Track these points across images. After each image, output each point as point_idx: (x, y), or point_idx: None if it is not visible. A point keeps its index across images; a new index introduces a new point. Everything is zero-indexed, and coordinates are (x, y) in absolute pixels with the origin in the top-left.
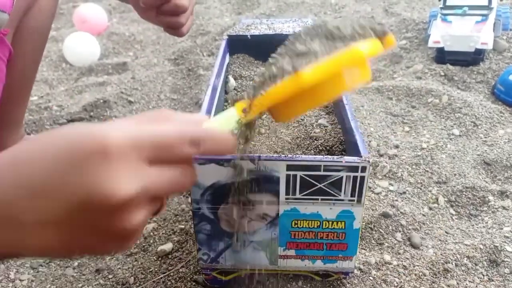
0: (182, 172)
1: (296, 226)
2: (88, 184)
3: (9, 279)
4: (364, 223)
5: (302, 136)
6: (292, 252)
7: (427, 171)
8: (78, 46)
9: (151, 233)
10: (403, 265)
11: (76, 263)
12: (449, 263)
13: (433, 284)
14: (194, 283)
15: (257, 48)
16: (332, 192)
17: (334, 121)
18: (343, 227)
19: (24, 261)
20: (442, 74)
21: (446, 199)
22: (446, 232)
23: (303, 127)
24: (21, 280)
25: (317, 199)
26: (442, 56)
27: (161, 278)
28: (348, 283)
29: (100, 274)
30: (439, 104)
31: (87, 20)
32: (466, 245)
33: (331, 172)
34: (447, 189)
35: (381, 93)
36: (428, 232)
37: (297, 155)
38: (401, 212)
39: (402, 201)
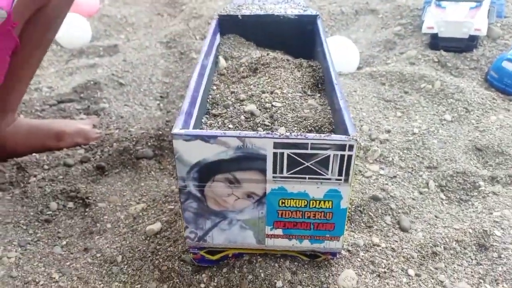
0: None
1: (283, 205)
2: None
3: None
4: (353, 206)
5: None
6: (279, 232)
7: (418, 155)
8: (69, 28)
9: (140, 213)
10: (392, 248)
11: (64, 242)
12: (437, 246)
13: (421, 267)
14: (182, 262)
15: (248, 28)
16: (319, 171)
17: (324, 103)
18: (331, 207)
19: (12, 239)
20: (436, 60)
21: (436, 184)
22: (435, 216)
23: (293, 106)
24: (8, 258)
25: (305, 178)
26: (435, 42)
27: (149, 257)
28: (336, 263)
29: (88, 253)
30: (432, 90)
31: (78, 2)
32: (455, 229)
33: (318, 150)
34: (438, 174)
35: (374, 78)
36: (418, 216)
37: (284, 133)
38: (391, 196)
39: (392, 185)
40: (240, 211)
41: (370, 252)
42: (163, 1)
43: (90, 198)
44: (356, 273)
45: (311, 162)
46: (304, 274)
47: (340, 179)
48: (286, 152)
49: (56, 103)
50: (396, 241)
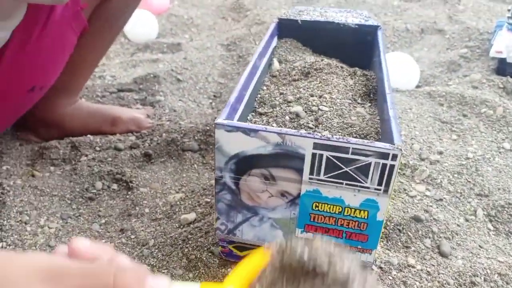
0: None
1: (317, 208)
2: None
3: (38, 224)
4: (392, 224)
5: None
6: (310, 235)
7: (469, 181)
8: (138, 24)
9: (178, 202)
10: (427, 271)
11: (103, 220)
12: (477, 276)
13: None
14: (210, 254)
15: (307, 34)
16: (358, 177)
17: (373, 113)
18: (366, 217)
19: (55, 211)
20: (501, 86)
21: (485, 213)
22: (479, 246)
23: (340, 112)
24: (49, 228)
25: (342, 183)
26: (503, 68)
27: (180, 244)
28: None
29: (124, 234)
30: (493, 116)
31: (149, 0)
32: (499, 261)
33: (359, 156)
34: (488, 203)
35: (432, 98)
36: (460, 243)
37: (326, 135)
38: (434, 219)
39: (437, 207)
40: (272, 209)
41: (404, 272)
42: (228, 6)
43: (133, 182)
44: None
45: (350, 168)
46: None
47: (380, 189)
48: (326, 154)
49: (116, 91)
50: (433, 265)
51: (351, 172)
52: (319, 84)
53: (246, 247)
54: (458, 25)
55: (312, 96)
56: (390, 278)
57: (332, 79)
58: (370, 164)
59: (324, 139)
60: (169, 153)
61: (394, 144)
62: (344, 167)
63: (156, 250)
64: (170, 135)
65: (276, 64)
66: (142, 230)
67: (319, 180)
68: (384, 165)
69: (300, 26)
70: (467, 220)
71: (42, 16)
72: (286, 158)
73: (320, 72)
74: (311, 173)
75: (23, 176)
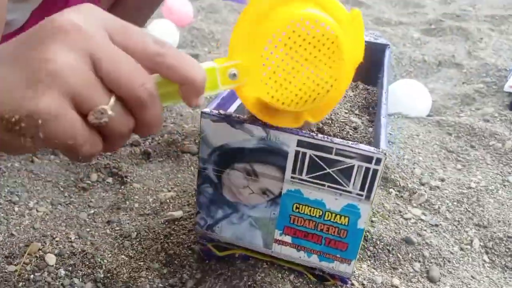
0: (139, 72)
1: (297, 210)
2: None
3: (27, 206)
4: (382, 244)
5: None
6: (288, 239)
7: (469, 211)
8: (160, 33)
9: (168, 200)
10: None
11: (92, 211)
12: None
13: None
14: (190, 251)
15: None
16: (340, 180)
17: (369, 125)
18: (346, 223)
19: (47, 196)
20: None
21: (482, 244)
22: (472, 276)
23: (334, 121)
24: (37, 211)
25: (324, 185)
26: None
27: (161, 239)
28: None
29: (109, 225)
30: (501, 149)
31: (173, 11)
32: None
33: (342, 157)
34: (486, 234)
35: (441, 127)
36: (451, 271)
37: (311, 133)
38: (426, 243)
39: (431, 232)
40: (253, 206)
41: None
42: None
43: (128, 177)
44: None
45: (333, 170)
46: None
47: (362, 195)
48: (309, 153)
49: None
50: (405, 284)
51: (333, 174)
52: None
53: (225, 247)
54: (477, 61)
55: None
56: None
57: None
58: (353, 167)
59: (308, 137)
60: (168, 153)
61: (379, 148)
62: (327, 168)
63: (137, 243)
64: (172, 136)
65: None
66: (128, 223)
67: (301, 180)
68: (368, 169)
69: None
70: (461, 249)
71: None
72: (269, 154)
73: None
74: (294, 171)
75: (22, 161)
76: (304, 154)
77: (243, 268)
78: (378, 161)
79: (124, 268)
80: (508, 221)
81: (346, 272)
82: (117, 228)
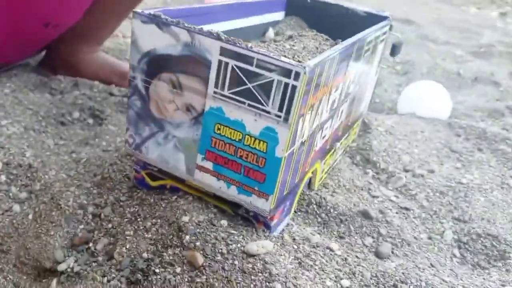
0: None
1: (218, 132)
2: None
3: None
4: (336, 212)
5: None
6: (209, 165)
7: (451, 204)
8: None
9: None
10: (345, 257)
11: (62, 142)
12: (404, 283)
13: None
14: (125, 177)
15: (315, 14)
16: (260, 98)
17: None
18: (265, 150)
19: (21, 120)
20: None
21: (455, 237)
22: (432, 264)
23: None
24: (7, 129)
25: (244, 103)
26: None
27: (104, 165)
28: (260, 234)
29: (70, 154)
30: (510, 154)
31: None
32: (443, 280)
33: (263, 70)
34: (463, 229)
35: (451, 128)
36: (408, 254)
37: (236, 41)
38: (387, 221)
39: (397, 213)
40: (177, 125)
41: (316, 249)
42: None
43: (107, 120)
44: (274, 248)
45: (253, 85)
46: (219, 225)
47: (280, 116)
48: (231, 63)
49: None
50: (357, 257)
51: (253, 90)
52: (296, 44)
53: (158, 177)
54: None
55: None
56: (294, 247)
57: (309, 42)
58: (272, 82)
59: (231, 44)
60: None
61: (301, 63)
62: (247, 83)
63: (82, 166)
64: None
65: (270, 33)
66: (85, 154)
67: (223, 96)
68: (287, 86)
69: (308, 4)
70: (430, 238)
71: None
72: (193, 63)
73: (302, 37)
74: (216, 85)
75: (16, 92)
76: (226, 64)
77: (167, 198)
78: (297, 75)
79: (58, 183)
80: (493, 220)
81: (264, 210)
82: (74, 155)
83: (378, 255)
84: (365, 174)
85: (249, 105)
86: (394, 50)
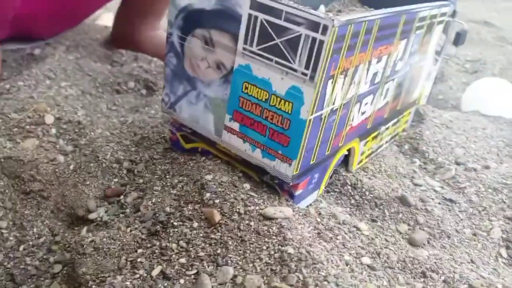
0: None
1: (246, 91)
2: None
3: (58, 85)
4: (371, 196)
5: None
6: (236, 126)
7: (504, 202)
8: None
9: None
10: (372, 237)
11: (114, 108)
12: (435, 273)
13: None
14: (162, 139)
15: None
16: (287, 54)
17: None
18: (290, 111)
19: (79, 84)
20: None
21: (504, 236)
22: (472, 260)
23: None
24: (65, 91)
25: (272, 59)
26: None
27: (147, 127)
28: (282, 202)
29: (118, 119)
30: None
31: None
32: (483, 277)
33: (291, 24)
34: None
35: None
36: (445, 246)
37: None
38: (427, 210)
39: (440, 204)
40: (208, 84)
41: (341, 228)
42: None
43: (159, 92)
44: (294, 215)
45: (281, 40)
46: (242, 187)
47: (306, 75)
48: (261, 17)
49: None
50: (387, 240)
51: (281, 46)
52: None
53: (191, 139)
54: None
55: None
56: (318, 220)
57: None
58: (300, 36)
59: None
60: None
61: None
62: (275, 38)
63: (126, 127)
64: None
65: (321, 9)
66: (133, 118)
67: (252, 52)
68: (314, 41)
69: None
70: (474, 234)
71: None
72: (225, 18)
73: (351, 12)
74: (245, 41)
75: (80, 60)
76: (256, 18)
77: (196, 158)
78: (325, 29)
79: (100, 139)
80: None
81: (287, 175)
82: (122, 119)
83: (411, 242)
84: (411, 163)
85: (276, 62)
86: (458, 38)
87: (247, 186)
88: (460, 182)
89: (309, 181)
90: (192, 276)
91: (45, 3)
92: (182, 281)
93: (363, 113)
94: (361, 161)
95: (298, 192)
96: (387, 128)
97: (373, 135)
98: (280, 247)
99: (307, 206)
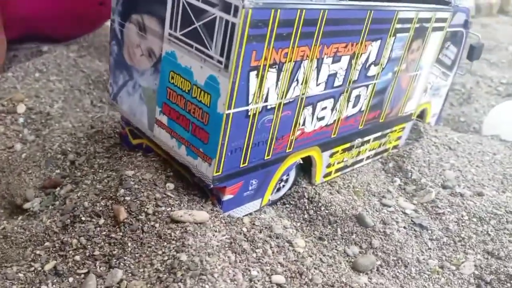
0: None
1: (172, 81)
2: None
3: (48, 79)
4: (326, 212)
5: None
6: (165, 120)
7: (489, 234)
8: None
9: None
10: (301, 256)
11: (98, 107)
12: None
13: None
14: (116, 134)
15: None
16: (205, 40)
17: None
18: (208, 104)
19: (71, 79)
20: None
21: (477, 273)
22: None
23: None
24: (54, 84)
25: (192, 46)
26: None
27: (110, 123)
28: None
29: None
30: None
31: None
32: None
33: (207, 5)
34: (492, 265)
35: None
36: (399, 277)
37: None
38: (385, 233)
39: (406, 230)
40: (142, 73)
41: (268, 240)
42: None
43: None
44: (209, 220)
45: (200, 23)
46: (163, 186)
47: (221, 62)
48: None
49: None
50: (322, 261)
51: (200, 30)
52: None
53: (137, 135)
54: None
55: None
56: (242, 229)
57: None
58: (215, 20)
59: None
60: None
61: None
62: (195, 21)
63: (91, 121)
64: None
65: None
66: (107, 114)
67: (176, 38)
68: (227, 24)
69: None
70: (441, 267)
71: None
72: (154, 2)
73: None
74: (171, 26)
75: (78, 57)
76: (178, 1)
77: (134, 154)
78: (236, 10)
79: (58, 131)
80: None
81: (207, 176)
82: (96, 114)
83: (354, 266)
84: (390, 182)
85: (196, 48)
86: (473, 52)
87: (170, 186)
88: (440, 207)
89: (243, 186)
90: (82, 276)
91: (54, 4)
92: (71, 279)
93: (320, 118)
94: (328, 175)
95: (226, 197)
96: (366, 142)
97: (342, 146)
98: (175, 253)
99: (244, 215)
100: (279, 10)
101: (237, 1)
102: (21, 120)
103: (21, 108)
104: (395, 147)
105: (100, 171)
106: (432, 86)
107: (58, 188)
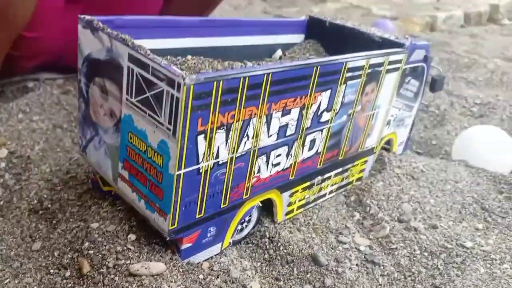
0: None
1: (131, 141)
2: None
3: (31, 119)
4: (285, 251)
5: None
6: (126, 175)
7: (438, 268)
8: None
9: None
10: None
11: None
12: None
13: None
14: (89, 179)
15: (332, 38)
16: (155, 108)
17: None
18: (161, 165)
19: (53, 118)
20: None
21: None
22: None
23: None
24: (37, 125)
25: (146, 112)
26: None
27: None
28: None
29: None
30: None
31: None
32: None
33: (156, 78)
34: None
35: (495, 182)
36: None
37: (142, 48)
38: (337, 272)
39: (358, 267)
40: (105, 130)
41: (223, 285)
42: None
43: None
44: (166, 271)
45: (151, 93)
46: (124, 238)
47: (170, 130)
48: (136, 70)
49: None
50: None
51: (151, 100)
52: None
53: (107, 183)
54: None
55: None
56: (199, 276)
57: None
58: (163, 92)
59: (135, 51)
60: None
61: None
62: (147, 91)
63: (68, 164)
64: None
65: (277, 54)
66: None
67: (132, 103)
68: (172, 97)
69: (327, 28)
70: None
71: None
72: (113, 69)
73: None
74: (127, 92)
75: (62, 94)
76: (133, 71)
77: (101, 203)
78: (179, 86)
79: (36, 176)
80: None
81: (163, 230)
82: (74, 155)
83: None
84: (350, 217)
85: (149, 115)
86: (434, 84)
87: (132, 237)
88: (393, 242)
89: (201, 234)
90: None
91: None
92: None
93: (275, 164)
94: (291, 212)
95: (184, 246)
96: (327, 178)
97: (302, 186)
98: None
99: (204, 260)
100: (221, 81)
101: (179, 78)
102: (2, 164)
103: (2, 153)
104: (359, 179)
105: (71, 220)
106: (395, 118)
107: (31, 239)
